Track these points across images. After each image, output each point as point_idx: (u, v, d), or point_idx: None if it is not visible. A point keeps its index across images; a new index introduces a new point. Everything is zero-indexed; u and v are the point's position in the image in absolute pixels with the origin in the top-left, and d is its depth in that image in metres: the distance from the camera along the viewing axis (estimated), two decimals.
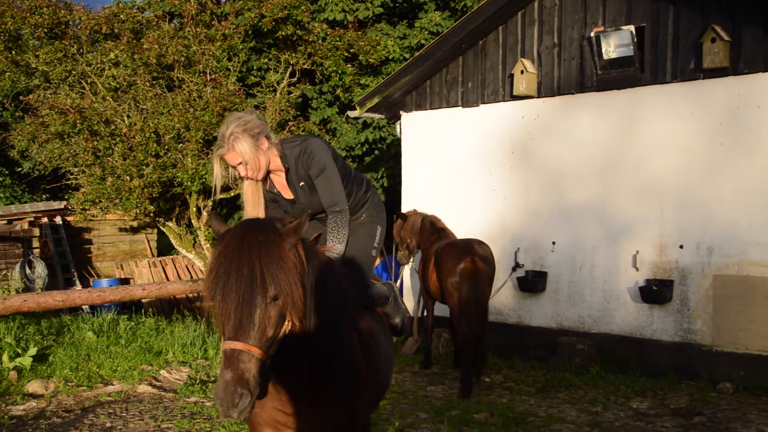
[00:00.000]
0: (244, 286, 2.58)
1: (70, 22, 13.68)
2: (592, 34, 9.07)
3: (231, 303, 2.57)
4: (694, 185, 8.51)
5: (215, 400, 2.52)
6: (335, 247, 3.55)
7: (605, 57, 8.97)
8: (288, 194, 3.77)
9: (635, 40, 8.71)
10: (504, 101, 10.14)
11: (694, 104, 8.49)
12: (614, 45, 8.88)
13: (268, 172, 3.69)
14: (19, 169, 16.41)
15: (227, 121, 3.54)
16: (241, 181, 3.68)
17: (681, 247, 8.62)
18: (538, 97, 9.79)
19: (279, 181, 3.76)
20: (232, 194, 12.98)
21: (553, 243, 9.67)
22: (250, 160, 3.50)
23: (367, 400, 3.36)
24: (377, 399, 3.69)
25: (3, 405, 6.91)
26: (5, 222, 14.19)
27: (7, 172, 17.91)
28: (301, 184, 3.69)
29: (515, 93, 9.79)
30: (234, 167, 3.57)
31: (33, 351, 8.00)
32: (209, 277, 2.64)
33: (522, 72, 9.69)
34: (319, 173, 3.61)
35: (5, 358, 7.81)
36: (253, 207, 3.66)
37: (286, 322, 2.71)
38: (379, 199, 4.15)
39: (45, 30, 13.19)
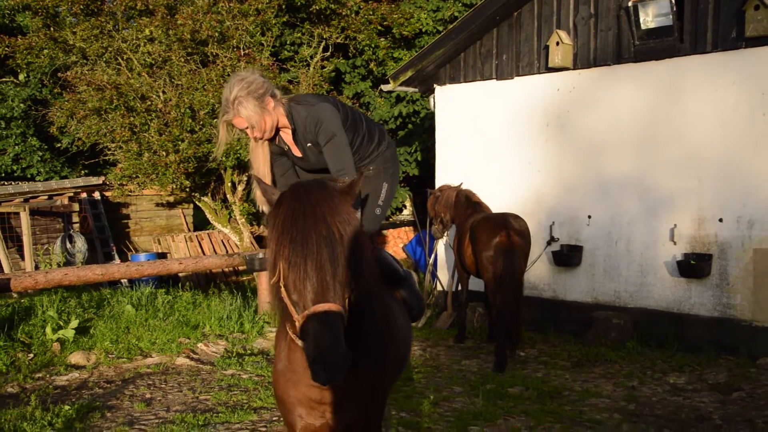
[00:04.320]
0: (325, 247, 2.48)
1: None
2: (630, 4, 8.87)
3: (312, 265, 2.46)
4: (735, 157, 8.33)
5: (317, 365, 2.38)
6: None
7: (643, 27, 8.78)
8: (297, 152, 3.72)
9: (674, 9, 8.51)
10: (539, 73, 10.00)
11: (736, 74, 8.28)
12: (653, 14, 8.68)
13: (278, 130, 3.63)
14: (58, 144, 16.63)
15: (230, 84, 3.45)
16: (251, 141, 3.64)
17: (720, 220, 8.47)
18: (574, 68, 9.63)
19: (287, 137, 3.70)
20: None
21: (589, 217, 9.57)
22: (256, 124, 3.45)
23: (391, 372, 3.30)
24: (398, 372, 3.61)
25: (48, 375, 7.09)
26: (46, 197, 14.43)
27: (46, 147, 18.20)
28: (308, 144, 3.62)
29: (550, 65, 9.65)
30: (242, 131, 3.52)
31: (75, 323, 8.18)
32: (282, 239, 2.52)
33: (557, 43, 9.54)
34: (327, 141, 3.50)
35: (48, 330, 8.00)
36: (262, 164, 3.62)
37: None
38: (392, 154, 3.95)
39: (81, 7, 13.28)
